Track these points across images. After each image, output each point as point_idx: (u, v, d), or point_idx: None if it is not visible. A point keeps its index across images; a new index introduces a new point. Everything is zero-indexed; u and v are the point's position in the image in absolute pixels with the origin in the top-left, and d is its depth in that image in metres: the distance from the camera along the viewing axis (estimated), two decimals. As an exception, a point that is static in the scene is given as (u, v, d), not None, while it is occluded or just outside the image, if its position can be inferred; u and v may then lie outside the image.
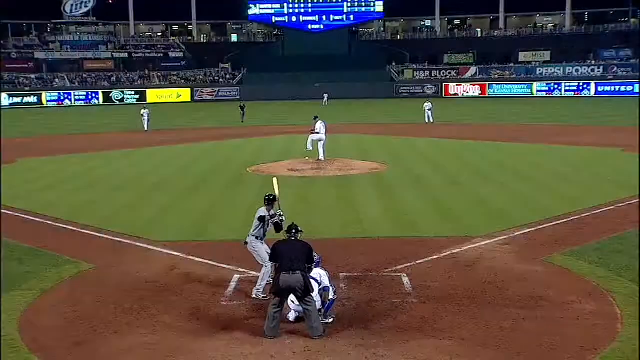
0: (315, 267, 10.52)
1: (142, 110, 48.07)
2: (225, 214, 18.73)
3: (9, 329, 10.27)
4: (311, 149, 28.17)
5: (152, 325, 10.46)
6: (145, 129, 46.52)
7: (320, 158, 27.69)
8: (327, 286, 10.53)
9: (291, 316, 10.44)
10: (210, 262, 13.75)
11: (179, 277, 12.94)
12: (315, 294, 10.16)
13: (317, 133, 28.04)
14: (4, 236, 16.00)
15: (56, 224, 17.74)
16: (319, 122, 28.44)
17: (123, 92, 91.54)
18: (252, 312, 10.94)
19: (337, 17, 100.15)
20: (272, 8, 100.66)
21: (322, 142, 28.07)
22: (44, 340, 9.98)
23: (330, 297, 10.54)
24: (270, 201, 11.98)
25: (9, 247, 15.16)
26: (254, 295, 11.54)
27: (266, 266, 11.50)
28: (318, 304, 10.22)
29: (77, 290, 12.24)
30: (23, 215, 18.86)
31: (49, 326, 10.52)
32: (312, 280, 10.24)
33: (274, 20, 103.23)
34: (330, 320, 10.36)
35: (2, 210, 18.92)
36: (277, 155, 31.03)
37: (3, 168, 27.67)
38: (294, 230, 10.51)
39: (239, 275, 12.81)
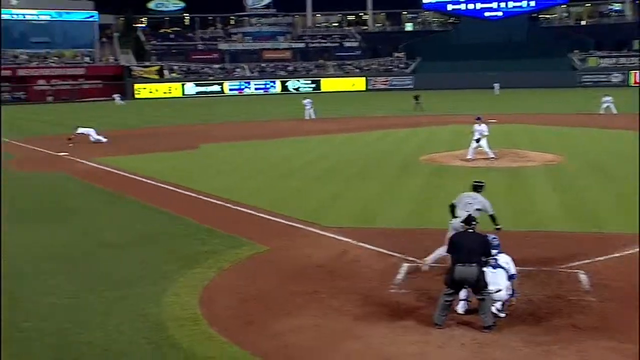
0: (500, 253, 10.24)
1: (304, 100, 49.74)
2: (395, 202, 18.74)
3: (191, 304, 10.95)
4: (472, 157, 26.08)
5: (321, 308, 10.71)
6: (307, 117, 48.03)
7: (491, 156, 26.17)
8: (515, 274, 10.20)
9: (460, 308, 10.27)
10: (379, 250, 13.82)
11: (348, 262, 13.14)
12: (505, 283, 9.94)
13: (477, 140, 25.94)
14: (189, 215, 17.21)
15: (234, 207, 18.62)
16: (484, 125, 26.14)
17: (299, 81, 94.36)
18: (420, 301, 10.87)
19: (516, 4, 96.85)
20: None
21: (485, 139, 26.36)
22: (221, 316, 10.51)
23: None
24: (478, 187, 12.38)
25: (192, 227, 16.20)
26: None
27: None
28: (504, 294, 10.00)
29: (252, 271, 12.79)
30: (204, 198, 20.00)
31: (226, 303, 11.06)
32: (500, 269, 10.02)
33: (449, 8, 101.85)
34: (503, 315, 10.08)
35: (185, 192, 20.35)
36: (449, 144, 30.60)
37: (187, 153, 29.82)
38: (473, 222, 10.30)
39: (408, 264, 12.77)
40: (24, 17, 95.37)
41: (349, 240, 14.66)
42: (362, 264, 12.96)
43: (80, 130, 35.29)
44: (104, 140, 35.46)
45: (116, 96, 77.61)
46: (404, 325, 9.91)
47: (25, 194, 21.60)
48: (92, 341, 9.56)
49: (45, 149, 33.42)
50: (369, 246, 14.14)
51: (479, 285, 9.66)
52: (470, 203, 11.96)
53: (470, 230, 10.15)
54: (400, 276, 12.19)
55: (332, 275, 12.36)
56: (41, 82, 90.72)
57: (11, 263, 13.55)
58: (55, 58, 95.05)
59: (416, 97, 54.36)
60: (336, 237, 15.01)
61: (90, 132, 35.52)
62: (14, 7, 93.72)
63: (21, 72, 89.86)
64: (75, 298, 11.34)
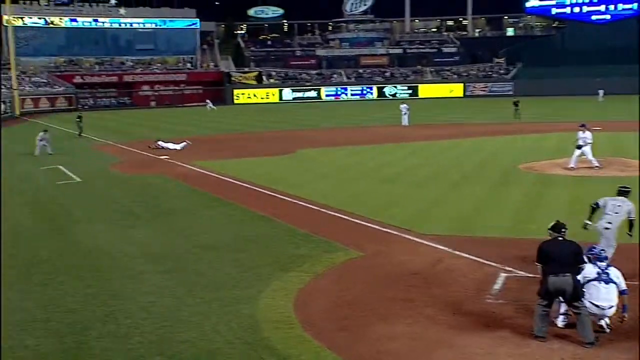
0: (609, 267, 9.81)
1: (401, 105, 49.89)
2: (493, 210, 18.39)
3: (285, 307, 11.09)
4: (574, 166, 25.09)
5: (415, 316, 10.62)
6: (403, 123, 47.99)
7: (596, 165, 24.99)
8: (626, 289, 9.75)
9: (560, 322, 9.95)
10: (476, 259, 13.58)
11: (444, 271, 12.98)
12: (614, 299, 9.53)
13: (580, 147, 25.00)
14: (285, 220, 17.56)
15: (330, 212, 18.73)
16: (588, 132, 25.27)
17: (396, 87, 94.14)
18: (518, 312, 10.60)
19: (626, 6, 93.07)
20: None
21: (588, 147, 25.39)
22: (315, 320, 10.59)
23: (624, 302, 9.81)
24: (625, 192, 12.39)
25: (288, 231, 16.43)
26: None
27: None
28: (614, 310, 9.57)
29: (346, 276, 12.83)
30: (300, 202, 20.23)
31: (320, 307, 11.14)
32: (613, 284, 9.56)
33: (554, 12, 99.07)
34: (608, 330, 9.67)
35: (282, 196, 20.75)
36: (551, 152, 29.75)
37: (285, 157, 30.30)
38: (563, 230, 9.95)
39: (505, 274, 12.50)
40: (131, 26, 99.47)
41: (445, 248, 14.49)
42: (458, 273, 12.78)
43: (161, 143, 36.08)
44: (181, 145, 35.99)
45: (208, 101, 79.87)
46: (500, 336, 9.69)
47: (128, 196, 22.48)
48: (189, 340, 9.83)
49: (148, 152, 34.65)
50: (465, 255, 13.93)
51: (576, 296, 9.31)
52: (620, 205, 12.02)
53: (560, 239, 9.81)
54: (497, 286, 11.94)
55: (427, 283, 12.25)
56: (145, 87, 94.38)
57: (115, 263, 14.14)
58: (159, 64, 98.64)
59: (515, 104, 53.23)
60: (432, 244, 14.87)
61: (169, 145, 35.95)
62: (122, 16, 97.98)
63: (127, 78, 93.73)
64: (173, 298, 11.70)
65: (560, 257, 9.48)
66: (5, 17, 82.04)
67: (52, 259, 14.47)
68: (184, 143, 36.05)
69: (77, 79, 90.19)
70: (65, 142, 41.26)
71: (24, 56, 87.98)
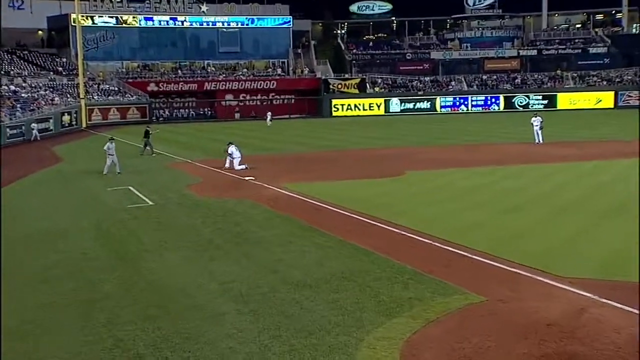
0: None
1: (533, 119, 49.16)
2: (653, 249, 17.72)
3: (390, 358, 11.02)
4: None
5: (551, 377, 10.34)
6: (536, 140, 47.23)
7: None
8: None
9: None
10: (631, 310, 13.09)
11: (588, 323, 12.57)
12: None
13: None
14: (391, 254, 17.51)
15: (443, 246, 18.54)
16: None
17: (528, 97, 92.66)
18: (684, 377, 10.16)
19: None
20: None
21: None
22: (426, 377, 10.48)
23: None
24: None
25: (393, 268, 16.36)
26: None
27: None
28: None
29: (464, 325, 12.62)
30: (408, 234, 20.11)
31: (432, 362, 11.02)
32: None
33: None
34: None
35: (386, 226, 20.76)
36: None
37: (391, 180, 30.21)
38: None
39: (667, 329, 12.02)
40: (214, 25, 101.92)
41: (590, 295, 14.05)
42: (605, 326, 12.35)
43: (231, 149, 36.73)
44: (242, 166, 36.49)
45: (269, 114, 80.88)
46: (661, 408, 9.28)
47: (207, 222, 22.94)
48: (275, 395, 9.90)
49: (230, 172, 35.36)
50: (616, 304, 13.46)
51: None
52: None
53: None
54: (657, 344, 11.48)
55: (567, 337, 11.90)
56: (228, 96, 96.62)
57: (191, 301, 14.42)
58: (245, 70, 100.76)
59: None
60: (572, 289, 14.47)
61: (235, 157, 36.68)
62: (204, 14, 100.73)
63: (208, 86, 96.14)
64: (257, 344, 11.80)
65: None
66: (72, 16, 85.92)
67: (118, 294, 14.90)
68: (244, 165, 36.45)
69: (152, 87, 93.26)
70: (136, 159, 42.67)
71: (92, 60, 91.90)
